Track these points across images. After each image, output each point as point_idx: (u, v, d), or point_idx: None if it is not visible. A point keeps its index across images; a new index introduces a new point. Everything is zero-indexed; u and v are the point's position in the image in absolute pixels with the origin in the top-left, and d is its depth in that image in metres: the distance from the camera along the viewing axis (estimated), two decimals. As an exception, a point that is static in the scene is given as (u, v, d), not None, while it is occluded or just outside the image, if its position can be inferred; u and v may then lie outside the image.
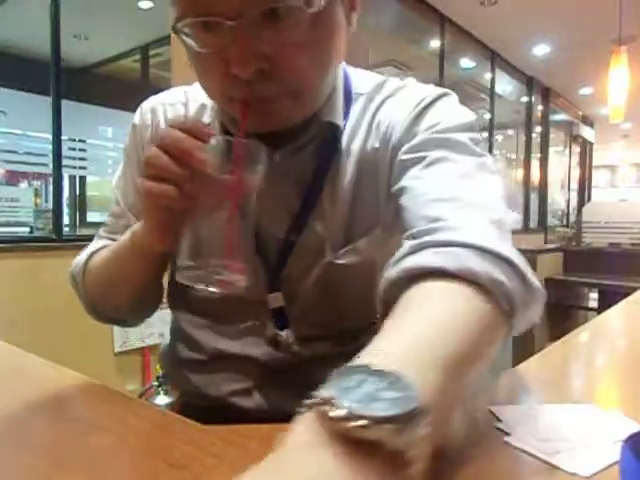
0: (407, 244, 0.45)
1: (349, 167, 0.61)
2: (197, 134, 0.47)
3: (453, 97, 0.62)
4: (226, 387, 0.67)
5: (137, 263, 0.59)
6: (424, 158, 0.54)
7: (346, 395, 0.28)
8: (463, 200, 0.49)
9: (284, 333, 0.64)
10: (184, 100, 0.69)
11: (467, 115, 0.59)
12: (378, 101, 0.63)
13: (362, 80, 0.65)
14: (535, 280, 0.44)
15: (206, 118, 0.66)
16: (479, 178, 0.52)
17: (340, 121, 0.60)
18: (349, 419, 0.27)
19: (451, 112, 0.59)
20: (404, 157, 0.56)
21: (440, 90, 0.62)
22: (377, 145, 0.61)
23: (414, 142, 0.56)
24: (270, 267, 0.63)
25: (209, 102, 0.66)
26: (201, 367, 0.68)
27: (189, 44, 0.50)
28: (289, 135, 0.59)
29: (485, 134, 5.47)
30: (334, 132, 0.61)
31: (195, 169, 0.46)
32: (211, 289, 0.46)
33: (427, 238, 0.44)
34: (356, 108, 0.63)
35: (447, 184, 0.51)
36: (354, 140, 0.62)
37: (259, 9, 0.46)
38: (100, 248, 0.68)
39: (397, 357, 0.33)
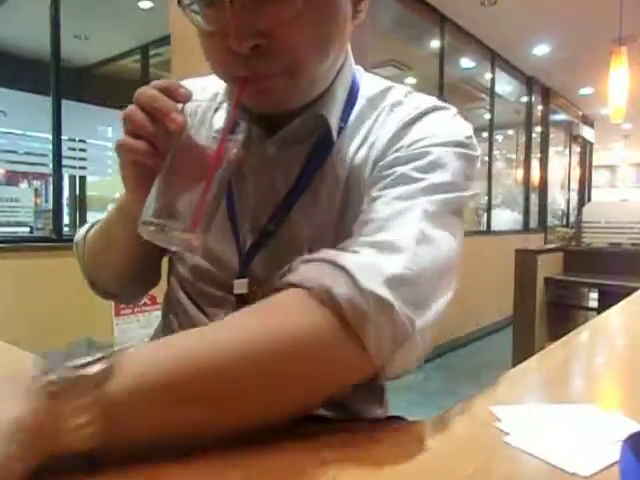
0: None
1: (340, 171, 0.60)
2: (172, 94, 0.48)
3: (446, 112, 0.60)
4: None
5: (123, 227, 0.59)
6: (389, 175, 0.53)
7: (53, 358, 0.34)
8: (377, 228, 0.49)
9: None
10: (203, 85, 0.68)
11: (456, 130, 0.57)
12: (378, 110, 0.62)
13: (369, 84, 0.65)
14: (378, 288, 0.42)
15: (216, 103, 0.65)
16: (416, 203, 0.50)
17: (334, 119, 0.59)
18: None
19: (437, 127, 0.57)
20: (376, 174, 0.55)
21: (432, 104, 0.60)
22: (364, 156, 0.60)
23: (389, 159, 0.55)
24: (243, 254, 0.62)
25: (222, 88, 0.66)
26: None
27: (195, 21, 0.51)
28: (285, 125, 0.59)
29: (485, 134, 5.47)
30: (328, 130, 0.60)
31: (168, 128, 0.46)
32: (166, 246, 0.48)
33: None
34: (356, 112, 0.62)
35: (383, 211, 0.50)
36: (350, 145, 0.61)
37: None
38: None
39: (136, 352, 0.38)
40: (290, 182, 0.60)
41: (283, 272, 0.48)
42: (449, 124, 0.58)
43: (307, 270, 0.45)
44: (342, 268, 0.43)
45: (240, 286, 0.61)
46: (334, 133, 0.59)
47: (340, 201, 0.59)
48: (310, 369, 0.41)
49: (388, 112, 0.61)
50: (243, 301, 0.61)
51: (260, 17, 0.48)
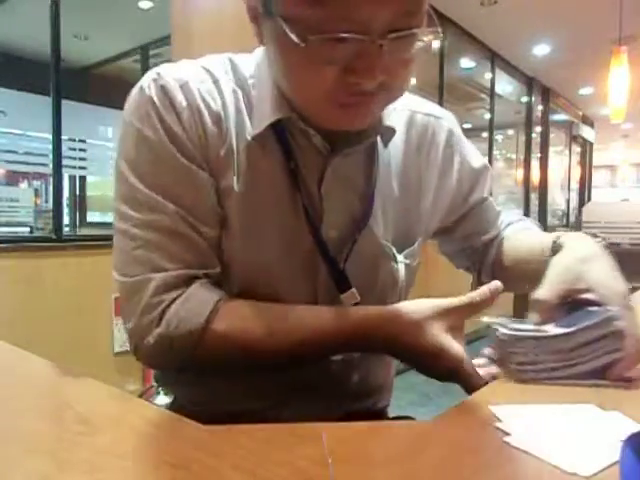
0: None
1: (392, 171, 0.67)
2: None
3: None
4: (247, 405, 0.62)
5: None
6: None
7: None
8: None
9: None
10: (213, 79, 0.60)
11: None
12: (405, 110, 0.70)
13: None
14: None
15: (234, 104, 0.60)
16: None
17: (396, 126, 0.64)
18: None
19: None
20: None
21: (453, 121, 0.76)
22: (417, 161, 0.70)
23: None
24: (336, 269, 0.62)
25: (238, 92, 0.61)
26: (214, 381, 0.63)
27: (310, 53, 0.48)
28: (344, 134, 0.60)
29: (485, 134, 5.46)
30: (377, 137, 0.64)
31: None
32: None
33: None
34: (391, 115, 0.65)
35: None
36: (392, 146, 0.66)
37: (400, 33, 0.48)
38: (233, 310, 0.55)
39: None
40: (360, 189, 0.64)
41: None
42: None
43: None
44: None
45: (351, 297, 0.62)
46: (386, 140, 0.64)
47: (398, 199, 0.68)
48: None
49: (434, 125, 0.72)
50: None
51: (389, 55, 0.49)
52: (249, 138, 0.60)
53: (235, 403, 0.63)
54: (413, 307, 0.56)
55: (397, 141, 0.67)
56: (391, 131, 0.63)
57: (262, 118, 0.59)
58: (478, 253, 0.85)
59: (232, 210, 0.59)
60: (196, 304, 0.54)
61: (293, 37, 0.47)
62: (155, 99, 0.57)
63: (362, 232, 0.63)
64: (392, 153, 0.67)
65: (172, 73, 0.59)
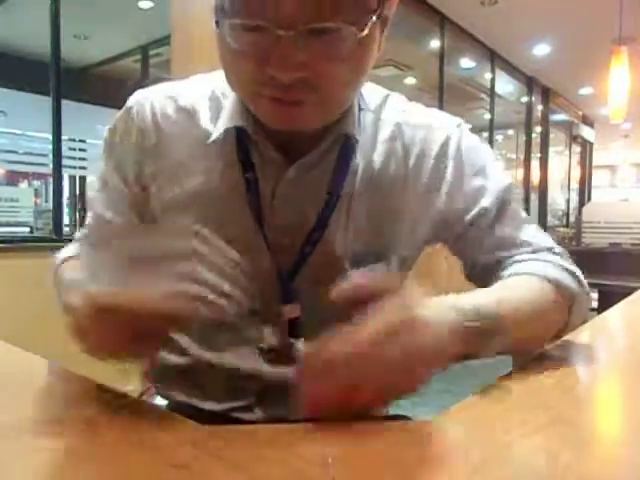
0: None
1: (364, 186, 0.63)
2: None
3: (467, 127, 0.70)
4: (223, 405, 0.65)
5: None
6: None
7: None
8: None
9: (300, 343, 0.63)
10: (173, 94, 0.65)
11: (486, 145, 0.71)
12: (392, 122, 0.65)
13: (369, 93, 0.66)
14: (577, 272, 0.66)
15: (196, 118, 0.64)
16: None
17: (358, 134, 0.61)
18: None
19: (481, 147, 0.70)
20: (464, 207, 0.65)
21: (457, 121, 0.70)
22: (396, 174, 0.64)
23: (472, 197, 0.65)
24: (284, 280, 0.62)
25: (201, 104, 0.64)
26: (194, 380, 0.67)
27: (227, 40, 0.50)
28: (305, 145, 0.59)
29: (485, 134, 5.47)
30: (348, 145, 0.61)
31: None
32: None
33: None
34: (367, 122, 0.64)
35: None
36: (371, 159, 0.63)
37: (311, 25, 0.47)
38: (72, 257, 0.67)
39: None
40: (319, 202, 0.62)
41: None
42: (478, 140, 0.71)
43: (529, 266, 0.62)
44: (551, 263, 0.63)
45: (292, 310, 0.62)
46: (357, 150, 0.62)
47: (370, 215, 0.63)
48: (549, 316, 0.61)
49: (421, 133, 0.66)
50: (295, 324, 0.63)
51: (306, 51, 0.48)
52: (209, 144, 0.61)
53: (217, 402, 0.65)
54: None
55: (376, 154, 0.64)
56: (348, 140, 0.61)
57: (221, 126, 0.61)
58: (482, 272, 0.72)
59: (189, 214, 0.62)
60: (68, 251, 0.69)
61: (213, 22, 0.50)
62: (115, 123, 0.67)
63: (317, 246, 0.62)
64: (369, 166, 0.63)
65: (142, 91, 0.66)
